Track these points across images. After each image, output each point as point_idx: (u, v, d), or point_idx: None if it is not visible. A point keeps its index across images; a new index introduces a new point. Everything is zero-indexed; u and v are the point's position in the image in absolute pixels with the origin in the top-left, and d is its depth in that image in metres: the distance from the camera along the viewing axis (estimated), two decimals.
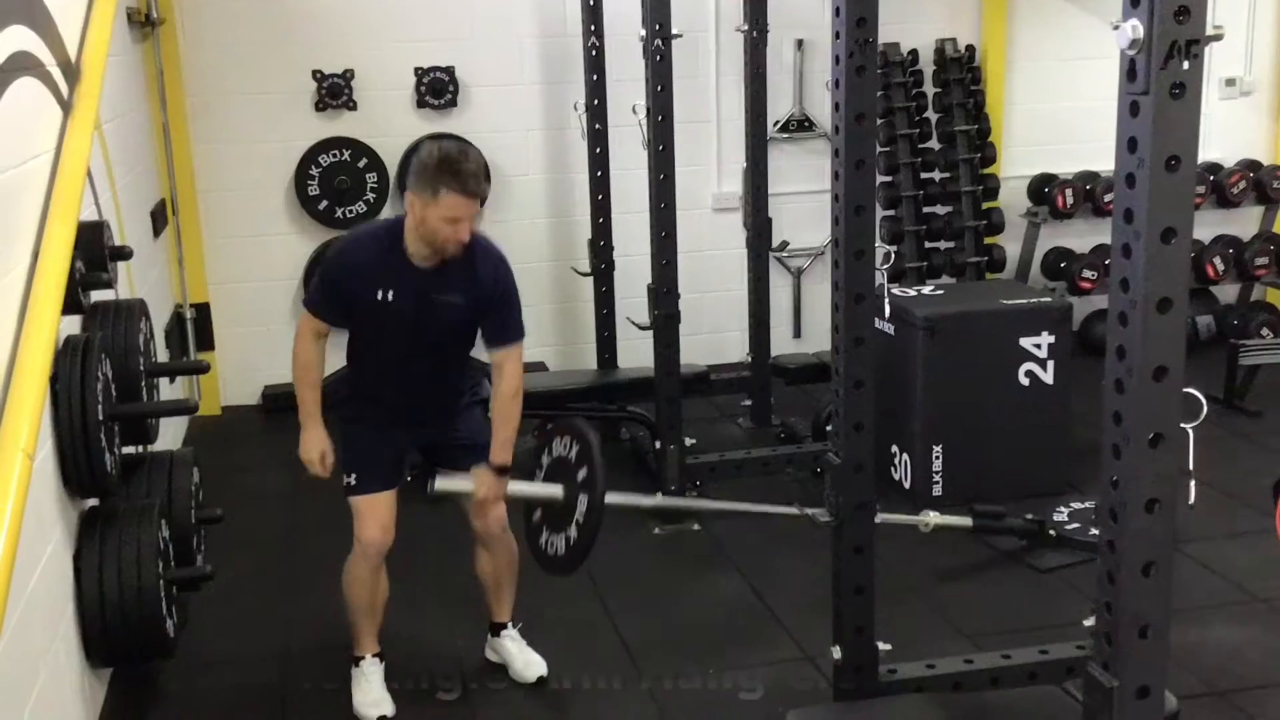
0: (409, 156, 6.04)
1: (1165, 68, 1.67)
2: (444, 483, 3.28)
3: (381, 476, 3.39)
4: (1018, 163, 6.73)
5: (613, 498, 3.11)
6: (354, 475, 3.37)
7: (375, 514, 3.36)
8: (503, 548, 3.53)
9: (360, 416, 3.40)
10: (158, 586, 3.23)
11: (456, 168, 3.04)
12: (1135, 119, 1.73)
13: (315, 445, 3.36)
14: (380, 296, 3.19)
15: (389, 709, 3.37)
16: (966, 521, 4.11)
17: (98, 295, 3.63)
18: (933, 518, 3.80)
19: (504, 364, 3.31)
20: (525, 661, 3.57)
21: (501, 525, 3.48)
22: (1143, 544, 1.86)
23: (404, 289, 3.19)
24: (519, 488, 3.30)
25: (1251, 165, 6.79)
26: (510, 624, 3.63)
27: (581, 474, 3.11)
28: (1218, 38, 1.71)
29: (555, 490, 3.18)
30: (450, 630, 3.84)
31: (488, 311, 3.28)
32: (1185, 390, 1.84)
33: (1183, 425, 1.84)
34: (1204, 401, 1.94)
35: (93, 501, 3.40)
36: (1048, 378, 4.66)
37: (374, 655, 3.46)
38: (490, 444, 3.32)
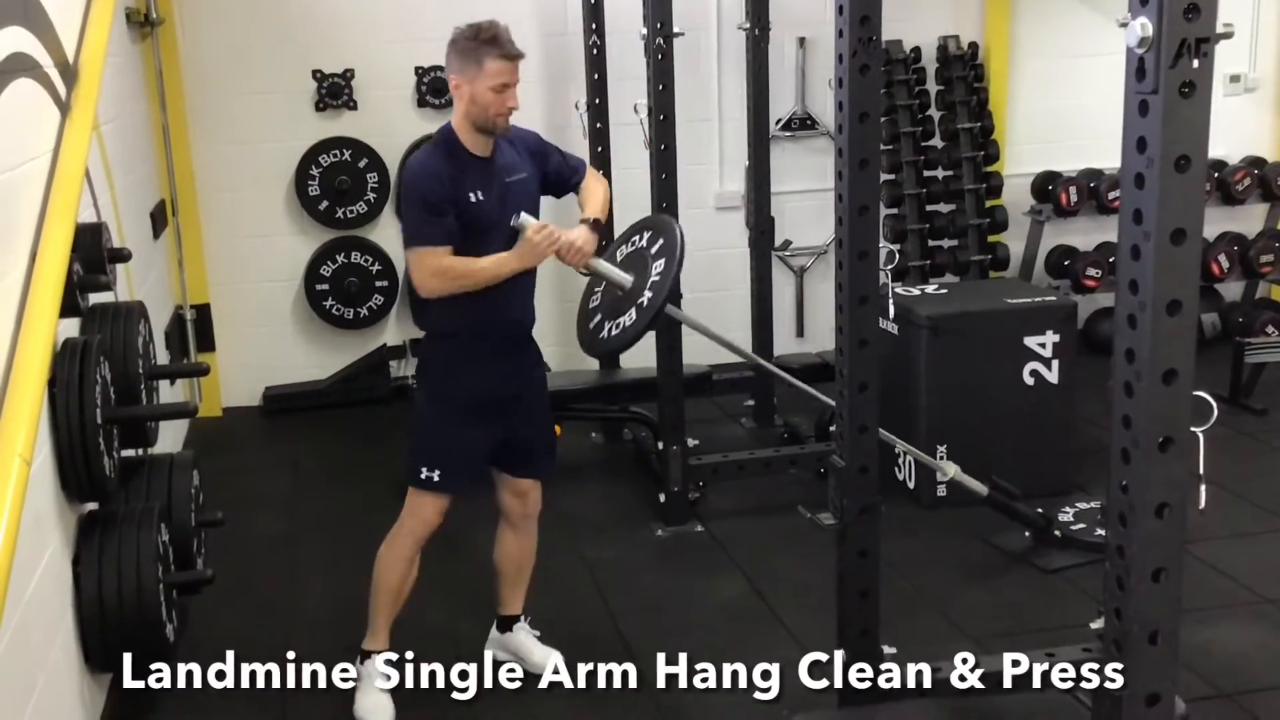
0: (408, 160, 6.05)
1: (1175, 66, 1.65)
2: (530, 220, 3.19)
3: (468, 475, 3.33)
4: (1021, 160, 6.70)
5: (673, 310, 3.28)
6: (438, 471, 3.27)
7: (443, 502, 3.32)
8: (530, 534, 3.55)
9: (451, 389, 3.26)
10: (157, 591, 3.21)
11: (494, 35, 3.13)
12: (1144, 118, 1.70)
13: (545, 239, 3.15)
14: (474, 199, 3.15)
15: (389, 715, 3.35)
16: (982, 489, 4.06)
17: (96, 298, 3.61)
18: (951, 469, 3.76)
19: (588, 178, 3.41)
20: (545, 652, 3.56)
21: (537, 509, 3.50)
22: (1153, 549, 1.84)
23: (486, 185, 3.18)
24: (600, 264, 3.30)
25: (1256, 162, 6.75)
26: (524, 616, 3.63)
27: (656, 267, 3.18)
28: (1228, 35, 1.69)
29: (626, 277, 3.26)
30: (452, 628, 3.82)
31: (546, 164, 3.35)
32: (1195, 393, 1.81)
33: (1193, 429, 1.82)
34: (1214, 405, 1.92)
35: (92, 506, 3.37)
36: (1053, 377, 4.63)
37: (382, 654, 3.39)
38: (549, 450, 3.49)
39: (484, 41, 3.11)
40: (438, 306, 3.22)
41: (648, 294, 3.21)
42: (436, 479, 3.29)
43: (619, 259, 3.39)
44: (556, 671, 3.46)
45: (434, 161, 3.19)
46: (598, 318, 3.35)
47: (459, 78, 3.14)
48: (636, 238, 3.39)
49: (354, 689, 3.40)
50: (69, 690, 3.03)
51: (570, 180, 3.41)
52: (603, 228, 3.32)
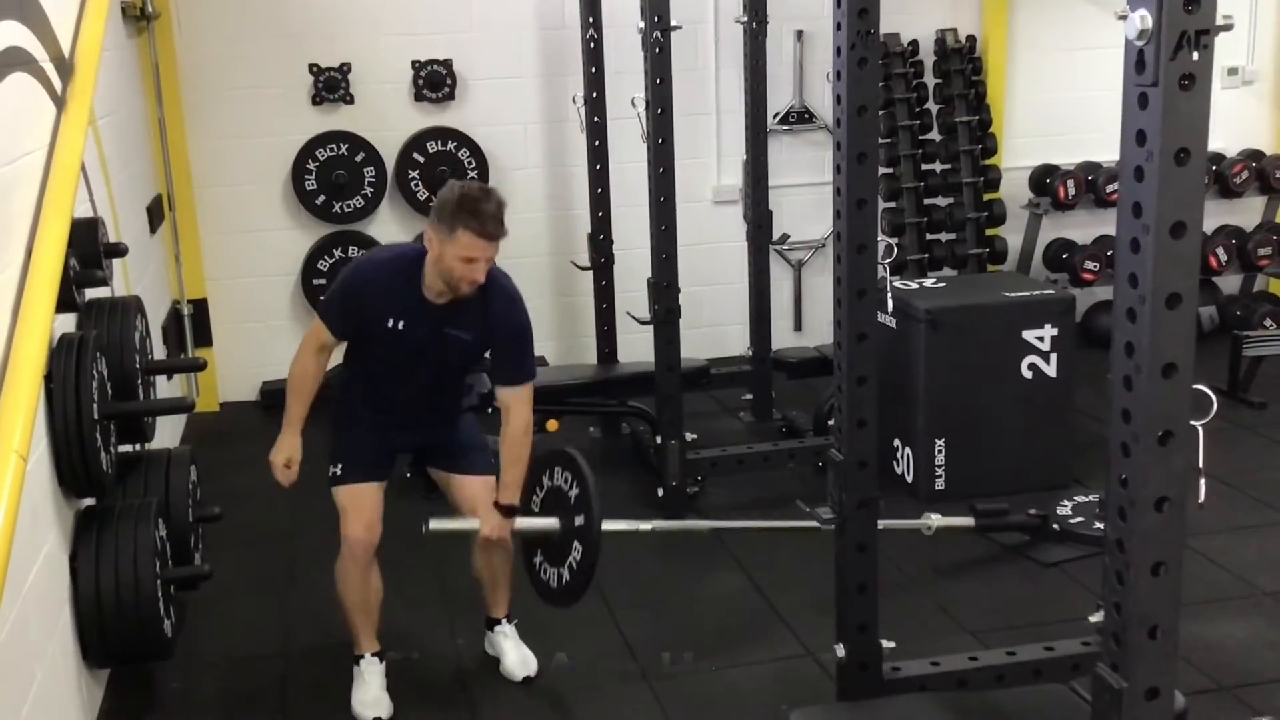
0: (405, 154, 6.04)
1: (1174, 59, 1.64)
2: (440, 524, 3.33)
3: (367, 468, 3.37)
4: (1019, 154, 6.70)
5: (609, 524, 3.28)
6: (339, 465, 3.36)
7: (359, 510, 3.33)
8: (495, 551, 3.53)
9: (353, 417, 3.40)
10: (155, 586, 3.20)
11: (476, 208, 3.05)
12: (1144, 111, 1.69)
13: (286, 451, 3.34)
14: (391, 325, 3.21)
15: (386, 710, 3.34)
16: (969, 521, 4.09)
17: (93, 293, 3.60)
18: (935, 520, 3.79)
19: (512, 405, 3.32)
20: (519, 658, 3.55)
21: (501, 533, 3.45)
22: (1152, 543, 1.83)
23: (416, 321, 3.21)
24: (525, 525, 3.39)
25: (1254, 155, 6.75)
26: (506, 619, 3.61)
27: (574, 494, 3.28)
28: (1228, 28, 1.68)
29: (553, 523, 3.34)
30: (450, 627, 3.82)
31: (497, 349, 3.32)
32: (1194, 386, 1.81)
33: (1192, 422, 1.81)
34: (1213, 398, 1.91)
35: (89, 501, 3.37)
36: (1051, 370, 4.63)
37: (373, 654, 3.43)
38: (479, 447, 3.47)
39: (465, 210, 3.04)
40: (353, 368, 3.38)
41: (579, 520, 3.28)
42: (339, 473, 3.36)
43: (537, 507, 3.44)
44: (527, 681, 3.51)
45: (377, 274, 3.26)
46: (545, 570, 3.42)
47: (432, 232, 3.11)
48: (544, 478, 3.42)
49: (352, 687, 3.41)
50: (67, 685, 3.02)
51: (502, 378, 3.33)
52: (516, 510, 3.34)
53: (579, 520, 3.27)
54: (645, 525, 3.79)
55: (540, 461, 3.43)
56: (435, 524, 3.30)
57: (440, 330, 3.23)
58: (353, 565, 3.35)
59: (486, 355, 3.37)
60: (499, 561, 3.53)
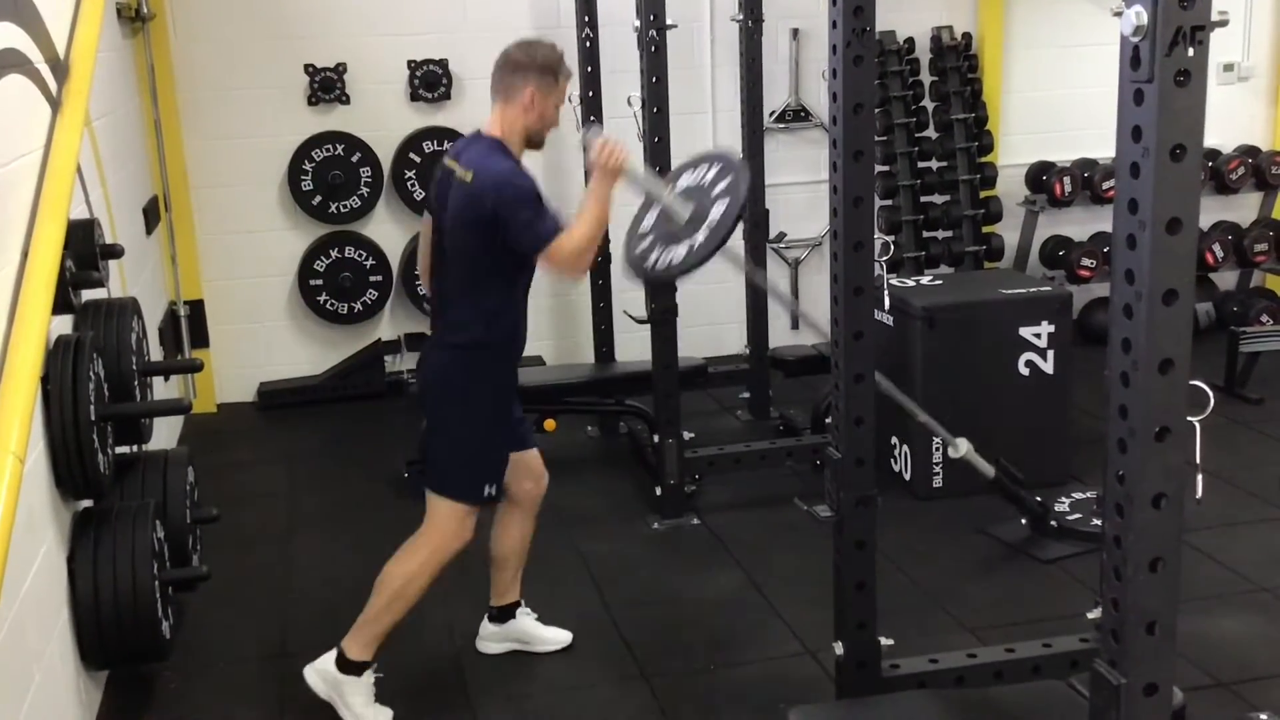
0: (401, 154, 6.03)
1: (1170, 55, 1.64)
2: (598, 133, 3.22)
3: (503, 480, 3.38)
4: (1015, 151, 6.70)
5: (728, 252, 3.09)
6: (497, 486, 3.30)
7: (475, 520, 3.32)
8: (534, 518, 3.58)
9: (493, 400, 3.26)
10: (153, 588, 3.20)
11: (562, 53, 3.26)
12: (1139, 107, 1.69)
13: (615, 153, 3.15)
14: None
15: (388, 715, 3.33)
16: (989, 469, 4.05)
17: (89, 294, 3.60)
18: (964, 445, 3.75)
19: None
20: (555, 631, 3.64)
21: (544, 492, 3.54)
22: (1149, 539, 1.83)
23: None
24: (662, 190, 3.25)
25: (1250, 151, 6.77)
26: (522, 601, 3.66)
27: (716, 203, 3.07)
28: (1223, 24, 1.68)
29: (686, 208, 3.14)
30: (448, 626, 3.82)
31: None
32: (1191, 383, 1.81)
33: (1189, 418, 1.82)
34: (1210, 394, 1.91)
35: (86, 503, 3.37)
36: (1048, 367, 4.63)
37: (372, 670, 3.33)
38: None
39: (559, 59, 3.22)
40: (478, 320, 3.19)
41: (717, 211, 3.04)
42: (494, 493, 3.30)
43: (679, 189, 3.26)
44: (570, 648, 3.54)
45: (516, 165, 3.21)
46: (647, 242, 3.23)
47: (535, 91, 3.18)
48: (700, 169, 3.26)
49: (349, 697, 3.29)
50: (65, 687, 3.02)
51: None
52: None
53: (716, 211, 3.04)
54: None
55: (697, 156, 3.35)
56: (594, 131, 3.21)
57: None
58: (439, 561, 3.29)
59: None
60: (529, 534, 3.57)
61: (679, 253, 3.07)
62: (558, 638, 3.66)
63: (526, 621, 3.64)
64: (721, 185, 3.11)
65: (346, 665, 3.28)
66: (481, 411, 3.25)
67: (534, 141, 3.26)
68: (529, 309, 3.37)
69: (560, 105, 3.26)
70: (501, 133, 3.21)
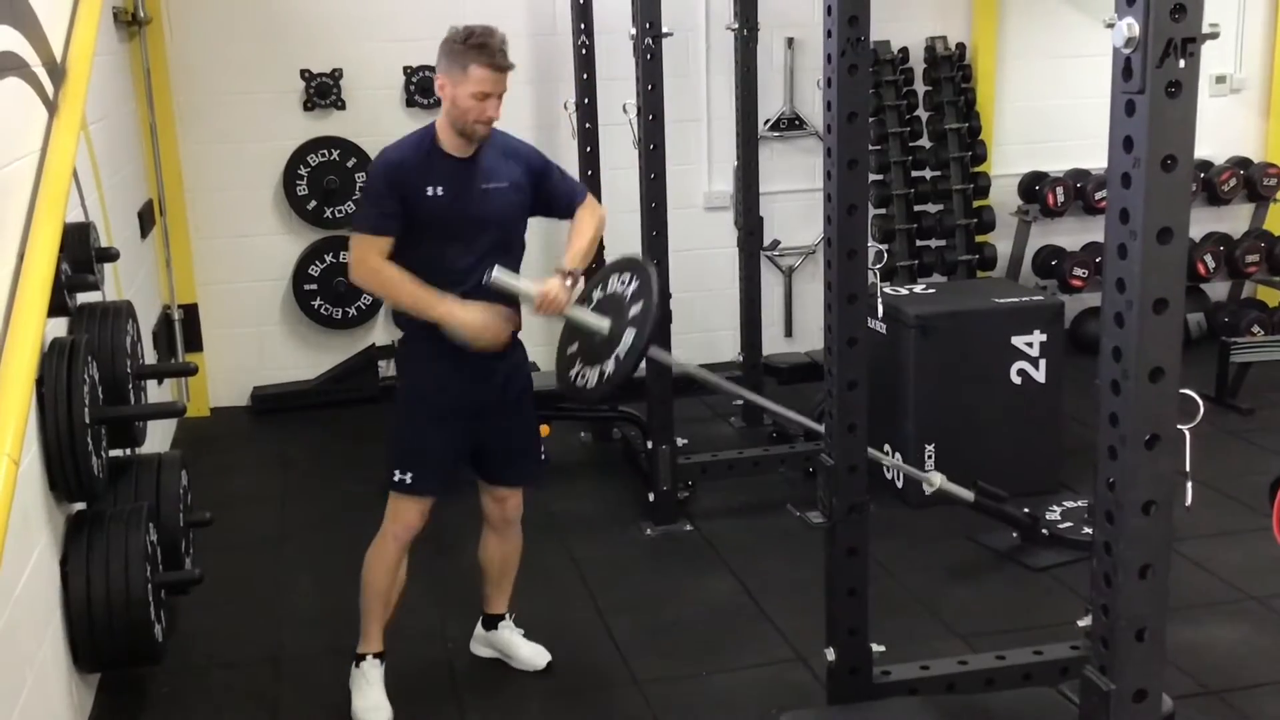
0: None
1: (1161, 66, 1.66)
2: (502, 275, 3.16)
3: (439, 480, 3.32)
4: (1008, 161, 6.72)
5: (656, 351, 3.18)
6: (410, 474, 3.27)
7: (421, 506, 3.32)
8: (513, 536, 3.56)
9: (424, 391, 3.26)
10: (146, 591, 3.20)
11: (483, 42, 3.09)
12: (1131, 118, 1.71)
13: (481, 313, 3.14)
14: (431, 192, 3.14)
15: (387, 715, 3.34)
16: (968, 495, 4.08)
17: (84, 297, 3.60)
18: (937, 479, 3.77)
19: (584, 209, 3.37)
20: (532, 650, 3.60)
21: (517, 513, 3.51)
22: (1139, 546, 1.85)
23: (453, 183, 3.16)
24: (576, 312, 3.24)
25: (1242, 163, 6.79)
26: (508, 615, 3.64)
27: (633, 311, 3.12)
28: (1213, 36, 1.70)
29: (604, 322, 3.18)
30: (440, 628, 3.82)
31: (541, 184, 3.31)
32: (1181, 391, 1.82)
33: (1179, 426, 1.83)
34: (1200, 403, 1.93)
35: (80, 505, 3.37)
36: (1040, 376, 4.65)
37: (375, 655, 3.41)
38: (533, 455, 3.50)
39: (472, 47, 3.08)
40: (415, 320, 3.20)
41: (627, 339, 3.12)
42: (409, 482, 3.28)
43: (594, 303, 3.31)
44: (549, 669, 3.52)
45: (398, 151, 3.21)
46: (576, 365, 3.28)
47: (444, 78, 3.13)
48: (613, 279, 3.31)
49: (350, 690, 3.40)
50: (57, 690, 3.02)
51: (565, 204, 3.38)
52: (579, 277, 3.26)
53: (630, 332, 3.11)
54: (682, 365, 3.73)
55: (609, 266, 3.38)
56: (498, 273, 3.14)
57: (477, 187, 3.18)
58: (395, 547, 3.32)
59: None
60: (509, 552, 3.56)
61: (607, 369, 3.14)
62: (532, 659, 3.59)
63: (506, 635, 3.63)
64: (634, 289, 3.19)
65: (355, 658, 3.43)
66: (405, 400, 3.33)
67: (462, 133, 3.14)
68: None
69: (483, 97, 3.09)
70: (439, 123, 3.20)
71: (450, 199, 3.15)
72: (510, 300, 3.23)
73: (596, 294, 3.33)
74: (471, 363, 3.23)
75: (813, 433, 4.96)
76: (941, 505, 4.58)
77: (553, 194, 3.35)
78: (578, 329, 3.29)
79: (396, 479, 3.29)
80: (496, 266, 3.15)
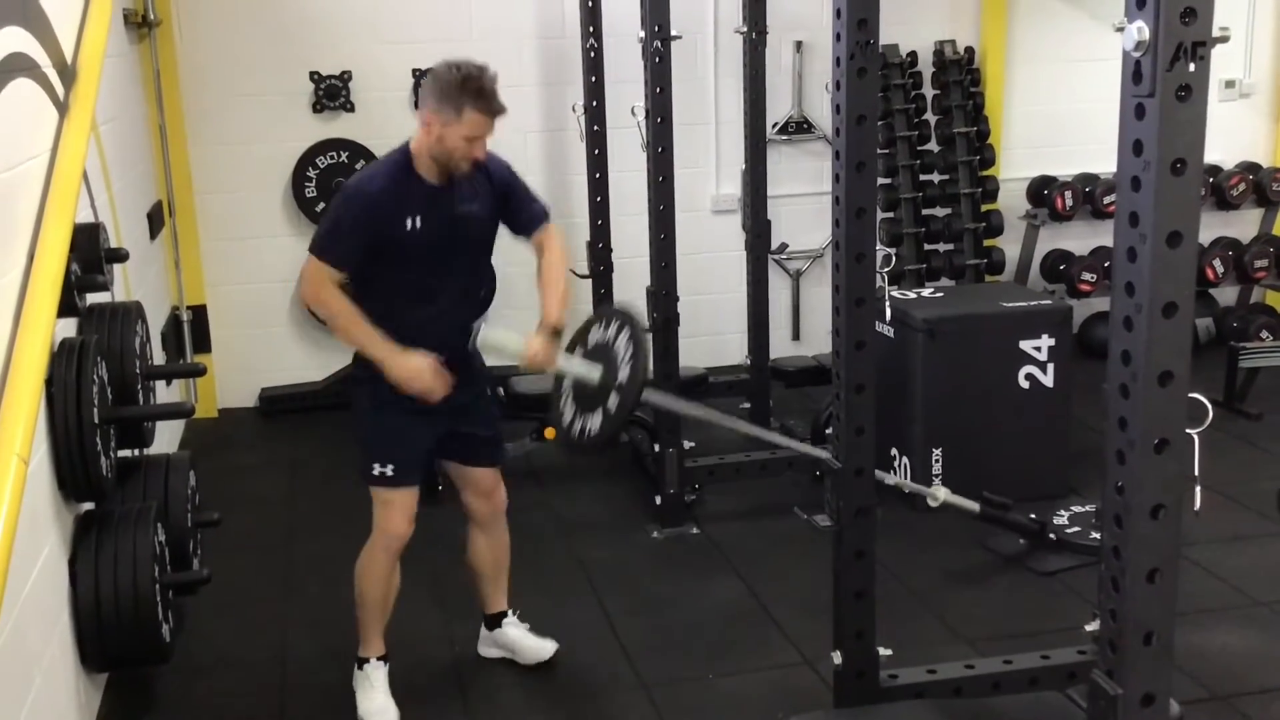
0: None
1: (1171, 70, 1.66)
2: (490, 332, 3.19)
3: (418, 466, 3.35)
4: (1017, 165, 6.72)
5: (651, 394, 3.13)
6: (390, 465, 3.27)
7: (405, 505, 3.32)
8: (501, 531, 3.57)
9: (389, 395, 3.22)
10: (154, 591, 3.21)
11: (479, 86, 3.06)
12: (1141, 122, 1.71)
13: (420, 363, 3.13)
14: (410, 226, 3.12)
15: (393, 717, 3.34)
16: (974, 506, 4.07)
17: (94, 298, 3.61)
18: (942, 494, 3.77)
19: (545, 242, 3.33)
20: (537, 644, 3.61)
21: (503, 506, 3.52)
22: (1147, 550, 1.85)
23: (428, 212, 3.15)
24: (566, 364, 3.22)
25: (1251, 167, 6.78)
26: (510, 611, 3.65)
27: (624, 357, 3.07)
28: (1224, 39, 1.70)
29: (595, 370, 3.13)
30: (445, 630, 3.82)
31: (507, 207, 3.30)
32: (1190, 396, 1.82)
33: (1188, 430, 1.83)
34: (1209, 407, 1.93)
35: (88, 505, 3.38)
36: (1048, 380, 4.65)
37: (379, 658, 3.43)
38: (497, 442, 3.50)
39: (469, 91, 3.04)
40: (369, 315, 3.16)
41: (621, 379, 3.06)
42: (390, 474, 3.28)
43: (583, 352, 3.26)
44: (556, 671, 3.52)
45: (375, 183, 3.16)
46: (571, 416, 3.22)
47: (433, 116, 3.08)
48: (597, 329, 3.26)
49: (356, 693, 3.41)
50: (65, 689, 3.03)
51: (525, 221, 3.34)
52: (562, 329, 3.24)
53: (623, 374, 3.06)
54: (681, 406, 3.56)
55: (595, 315, 3.36)
56: (486, 331, 3.16)
57: (453, 213, 3.17)
58: (384, 557, 3.34)
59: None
60: (500, 547, 3.57)
61: (597, 420, 3.09)
62: (539, 650, 3.61)
63: (511, 631, 3.64)
64: (623, 335, 3.12)
65: (358, 663, 3.44)
66: (365, 393, 3.29)
67: (443, 166, 3.13)
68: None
69: (472, 139, 3.08)
70: (414, 148, 3.17)
71: (428, 229, 3.15)
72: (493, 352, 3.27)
73: (582, 346, 3.28)
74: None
75: (819, 436, 4.98)
76: (949, 509, 4.57)
77: (516, 210, 3.33)
78: (567, 380, 3.26)
79: (377, 473, 3.28)
80: (484, 326, 3.21)
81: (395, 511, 3.31)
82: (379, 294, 3.18)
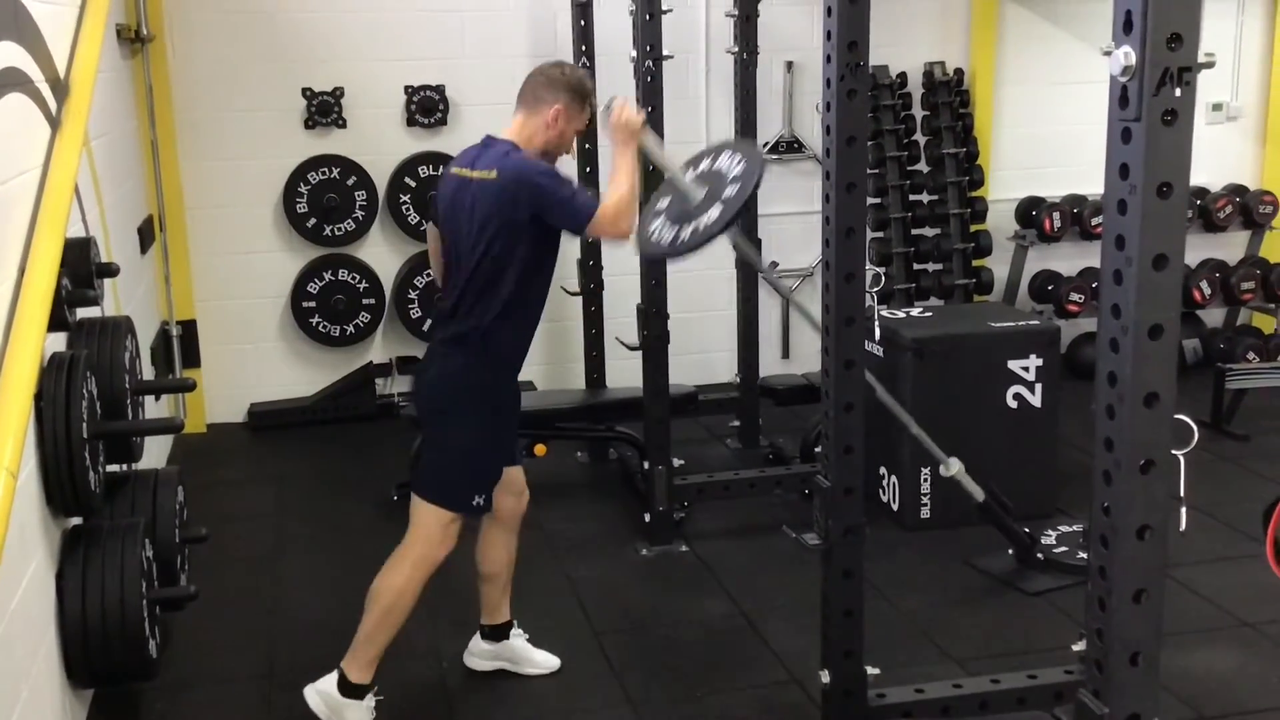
0: (397, 178, 6.06)
1: (1157, 94, 1.68)
2: (616, 99, 3.28)
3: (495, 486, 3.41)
4: (1005, 185, 6.76)
5: (735, 234, 3.27)
6: (485, 496, 3.32)
7: (458, 528, 3.34)
8: (515, 535, 3.60)
9: (498, 412, 3.30)
10: (141, 606, 3.19)
11: (594, 86, 3.40)
12: (1127, 145, 1.73)
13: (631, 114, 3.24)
14: None
15: None
16: (979, 492, 4.09)
17: (84, 312, 3.61)
18: (955, 466, 3.78)
19: None
20: (545, 656, 3.65)
21: (524, 509, 3.58)
22: (1134, 571, 1.85)
23: None
24: (676, 172, 3.28)
25: (1238, 190, 6.83)
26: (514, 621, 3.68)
27: (729, 191, 3.08)
28: (1209, 65, 1.71)
29: (699, 192, 3.18)
30: (434, 649, 3.82)
31: None
32: (1176, 417, 1.83)
33: (1174, 452, 1.84)
34: (1195, 428, 1.94)
35: (76, 520, 3.36)
36: (1036, 400, 4.66)
37: (373, 692, 3.34)
38: None
39: (590, 90, 3.36)
40: (504, 333, 3.23)
41: (713, 213, 3.06)
42: (482, 503, 3.32)
43: (698, 171, 3.29)
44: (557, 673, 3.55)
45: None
46: (658, 221, 3.27)
47: (563, 110, 3.28)
48: (724, 155, 3.27)
49: (348, 718, 3.32)
50: (51, 704, 3.01)
51: None
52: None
53: (729, 191, 3.07)
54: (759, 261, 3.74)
55: (724, 142, 3.46)
56: (614, 100, 3.28)
57: None
58: (427, 574, 3.31)
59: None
60: (515, 550, 3.59)
61: (687, 231, 3.11)
62: (547, 662, 3.67)
63: (519, 643, 3.66)
64: (737, 170, 3.15)
65: (348, 688, 3.31)
66: (483, 419, 3.28)
67: (550, 158, 3.32)
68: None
69: (580, 133, 3.37)
70: (518, 141, 3.28)
71: None
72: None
73: (704, 164, 3.31)
74: (517, 376, 3.39)
75: (808, 455, 4.99)
76: (937, 528, 4.59)
77: None
78: (670, 188, 3.34)
79: (476, 503, 3.30)
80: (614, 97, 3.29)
81: (453, 535, 3.31)
82: (513, 294, 3.22)
